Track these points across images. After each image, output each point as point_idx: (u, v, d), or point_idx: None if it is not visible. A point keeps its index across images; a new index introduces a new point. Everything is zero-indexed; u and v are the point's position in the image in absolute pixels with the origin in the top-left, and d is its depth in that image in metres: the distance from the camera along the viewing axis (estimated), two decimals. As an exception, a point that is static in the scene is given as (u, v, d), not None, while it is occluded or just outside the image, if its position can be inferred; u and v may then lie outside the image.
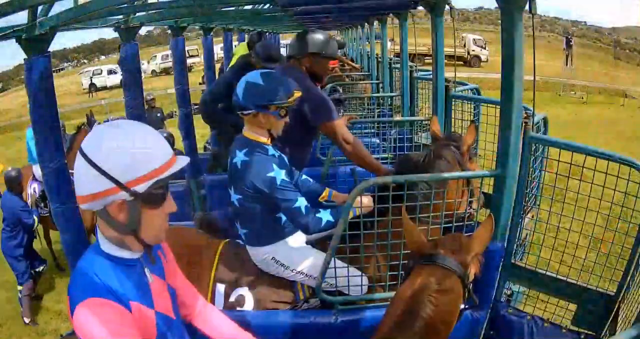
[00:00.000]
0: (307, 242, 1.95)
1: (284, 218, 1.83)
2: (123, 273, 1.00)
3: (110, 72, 23.47)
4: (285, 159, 1.87)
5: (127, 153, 0.94)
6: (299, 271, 1.83)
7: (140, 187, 0.95)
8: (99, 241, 1.01)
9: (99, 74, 23.85)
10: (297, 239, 1.90)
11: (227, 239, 1.99)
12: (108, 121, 5.89)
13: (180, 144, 3.87)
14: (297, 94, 1.79)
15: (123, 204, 0.96)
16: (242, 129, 1.82)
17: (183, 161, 1.01)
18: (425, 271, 1.14)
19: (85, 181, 0.95)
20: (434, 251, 1.17)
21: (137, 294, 1.01)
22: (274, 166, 1.69)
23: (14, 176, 4.30)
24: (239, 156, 1.75)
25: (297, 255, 1.84)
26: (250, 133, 1.78)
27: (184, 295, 1.24)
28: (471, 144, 1.96)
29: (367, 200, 1.79)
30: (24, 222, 4.23)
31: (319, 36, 2.31)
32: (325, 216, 1.73)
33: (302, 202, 1.72)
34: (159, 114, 6.91)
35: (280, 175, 1.69)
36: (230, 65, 4.48)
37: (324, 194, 2.08)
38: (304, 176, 2.10)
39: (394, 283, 1.82)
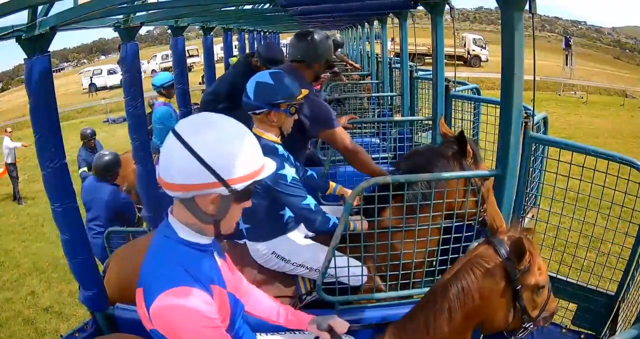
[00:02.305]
0: (306, 236, 1.96)
1: (287, 215, 1.84)
2: (201, 258, 1.02)
3: (110, 72, 23.47)
4: (292, 158, 1.88)
5: (234, 151, 0.95)
6: (300, 264, 1.84)
7: (240, 186, 0.97)
8: (174, 228, 1.01)
9: (99, 74, 23.85)
10: (297, 233, 1.91)
11: (225, 239, 1.99)
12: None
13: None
14: (305, 91, 1.83)
15: (217, 198, 0.97)
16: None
17: (273, 164, 1.05)
18: (483, 247, 1.29)
19: (183, 170, 0.93)
20: (497, 234, 1.30)
21: (214, 277, 1.04)
22: (285, 164, 1.71)
23: (109, 161, 3.51)
24: None
25: (297, 248, 1.85)
26: (261, 131, 1.79)
27: (234, 275, 1.26)
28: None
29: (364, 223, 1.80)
30: (128, 217, 3.52)
31: (318, 39, 2.24)
32: (333, 218, 1.76)
33: (311, 200, 1.74)
34: None
35: (291, 173, 1.72)
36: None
37: (330, 188, 2.11)
38: (309, 172, 2.11)
39: (394, 282, 1.83)
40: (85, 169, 4.78)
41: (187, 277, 0.96)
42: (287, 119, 1.80)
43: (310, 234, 1.98)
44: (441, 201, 1.73)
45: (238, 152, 0.96)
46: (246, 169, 0.97)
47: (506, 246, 1.24)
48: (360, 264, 1.82)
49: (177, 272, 0.96)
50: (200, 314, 0.94)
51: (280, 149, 1.78)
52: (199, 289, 0.95)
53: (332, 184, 2.13)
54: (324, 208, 2.12)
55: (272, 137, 1.79)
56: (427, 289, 1.86)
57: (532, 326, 1.30)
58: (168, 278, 0.95)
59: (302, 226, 1.95)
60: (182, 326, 0.93)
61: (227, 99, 3.39)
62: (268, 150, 1.75)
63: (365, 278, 1.85)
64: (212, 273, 1.04)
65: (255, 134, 1.77)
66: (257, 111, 1.75)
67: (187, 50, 8.12)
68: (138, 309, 0.99)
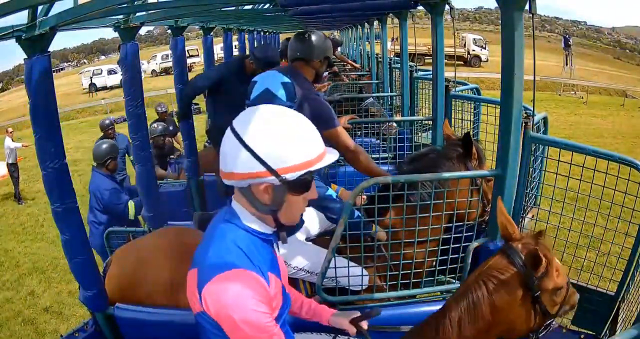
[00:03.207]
0: (307, 239, 1.96)
1: None
2: (261, 247, 1.04)
3: (110, 72, 23.45)
4: None
5: (284, 141, 0.95)
6: (300, 268, 1.84)
7: (291, 176, 0.96)
8: (239, 215, 1.03)
9: (99, 74, 23.83)
10: (298, 236, 1.91)
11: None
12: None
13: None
14: None
15: (269, 187, 0.98)
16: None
17: (333, 155, 1.03)
18: (496, 257, 1.25)
19: (233, 160, 0.96)
20: (510, 241, 1.26)
21: (272, 266, 1.05)
22: None
23: (103, 149, 3.55)
24: None
25: (297, 252, 1.85)
26: None
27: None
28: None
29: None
30: (115, 211, 3.44)
31: (315, 37, 2.25)
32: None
33: (331, 190, 1.78)
34: (171, 127, 5.90)
35: None
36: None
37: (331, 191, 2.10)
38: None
39: (394, 282, 1.83)
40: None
41: (245, 260, 0.97)
42: None
43: (312, 236, 1.98)
44: (449, 201, 1.74)
45: (288, 141, 0.95)
46: (297, 158, 0.96)
47: (521, 255, 1.22)
48: (360, 266, 1.82)
49: (237, 255, 0.97)
50: (252, 297, 0.94)
51: None
52: (255, 273, 0.96)
53: (334, 186, 2.13)
54: None
55: None
56: (427, 289, 1.87)
57: (553, 321, 1.28)
58: (226, 260, 0.96)
59: (303, 228, 1.95)
60: (233, 306, 0.93)
61: (213, 91, 3.43)
62: None
63: (366, 279, 1.85)
64: (270, 262, 1.05)
65: None
66: None
67: (187, 51, 8.10)
68: (188, 290, 1.00)
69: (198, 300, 0.96)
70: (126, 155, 5.26)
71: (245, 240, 1.01)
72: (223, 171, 0.99)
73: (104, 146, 3.61)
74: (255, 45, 7.42)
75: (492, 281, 1.21)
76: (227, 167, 0.98)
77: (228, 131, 0.98)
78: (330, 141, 2.24)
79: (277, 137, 0.95)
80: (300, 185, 0.99)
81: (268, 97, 1.73)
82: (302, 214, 1.07)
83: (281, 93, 1.74)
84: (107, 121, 5.41)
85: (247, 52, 6.18)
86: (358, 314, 1.33)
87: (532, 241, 1.25)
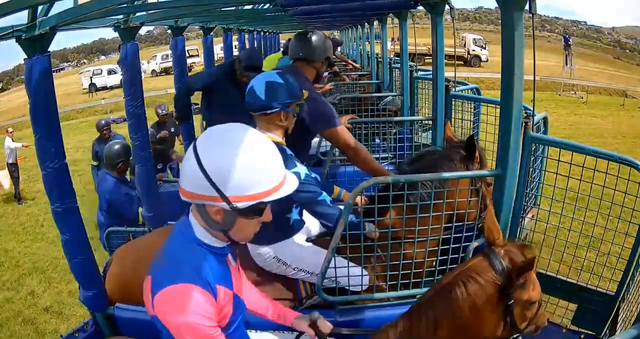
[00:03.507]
0: (308, 240, 1.95)
1: (293, 218, 1.85)
2: (213, 260, 1.06)
3: (110, 72, 23.43)
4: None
5: (239, 172, 0.95)
6: (301, 269, 1.84)
7: (242, 204, 0.98)
8: (193, 228, 1.06)
9: (99, 74, 23.81)
10: (299, 237, 1.90)
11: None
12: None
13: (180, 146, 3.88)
14: (306, 93, 1.87)
15: (221, 211, 0.99)
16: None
17: (291, 186, 1.03)
18: (477, 259, 1.25)
19: (191, 180, 0.98)
20: (493, 246, 1.26)
21: (222, 278, 1.07)
22: (296, 162, 1.72)
23: (116, 150, 3.38)
24: None
25: (298, 253, 1.85)
26: (267, 133, 1.78)
27: (240, 276, 1.28)
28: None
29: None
30: (124, 214, 3.33)
31: (317, 37, 2.26)
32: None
33: (325, 195, 1.76)
34: (172, 129, 5.86)
35: (304, 170, 1.73)
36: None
37: (334, 192, 2.11)
38: (312, 174, 2.11)
39: (394, 282, 1.83)
40: (95, 162, 4.71)
41: (193, 275, 0.99)
42: (293, 119, 1.81)
43: (312, 237, 1.98)
44: (449, 201, 1.73)
45: (245, 171, 0.96)
46: (252, 189, 0.97)
47: (502, 260, 1.21)
48: (360, 266, 1.82)
49: (185, 269, 1.00)
50: (198, 312, 0.98)
51: (287, 150, 1.78)
52: (202, 288, 0.99)
53: (337, 188, 2.14)
54: None
55: (277, 138, 1.78)
56: (427, 289, 1.87)
57: (519, 337, 1.29)
58: (175, 273, 0.99)
59: (304, 229, 1.95)
60: (180, 320, 0.97)
61: (207, 92, 3.44)
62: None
63: (366, 279, 1.85)
64: (220, 274, 1.06)
65: None
66: (269, 111, 1.74)
67: (187, 50, 8.08)
68: (144, 295, 1.04)
69: (151, 305, 1.02)
70: None
71: (196, 253, 1.03)
72: (180, 186, 1.01)
73: (116, 147, 3.46)
74: (255, 45, 7.41)
75: (470, 282, 1.21)
76: (183, 184, 1.00)
77: (190, 149, 0.99)
78: (331, 139, 2.25)
79: (235, 166, 0.95)
80: (253, 212, 1.01)
81: (250, 95, 1.75)
82: (299, 216, 1.08)
83: (261, 91, 1.73)
84: (103, 122, 5.45)
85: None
86: (320, 317, 1.33)
87: (516, 249, 1.25)
